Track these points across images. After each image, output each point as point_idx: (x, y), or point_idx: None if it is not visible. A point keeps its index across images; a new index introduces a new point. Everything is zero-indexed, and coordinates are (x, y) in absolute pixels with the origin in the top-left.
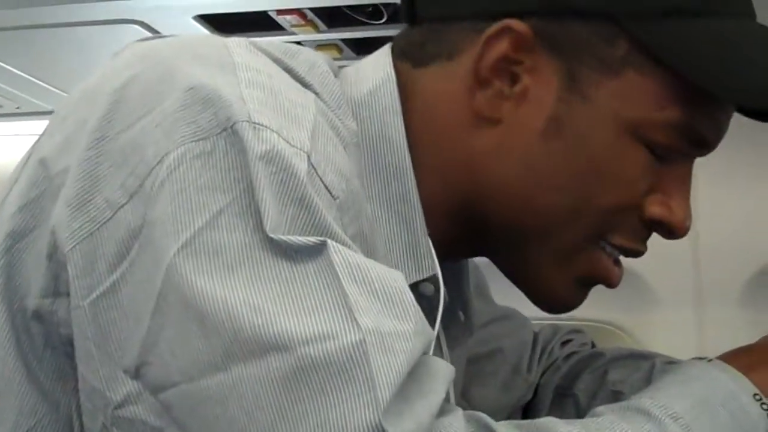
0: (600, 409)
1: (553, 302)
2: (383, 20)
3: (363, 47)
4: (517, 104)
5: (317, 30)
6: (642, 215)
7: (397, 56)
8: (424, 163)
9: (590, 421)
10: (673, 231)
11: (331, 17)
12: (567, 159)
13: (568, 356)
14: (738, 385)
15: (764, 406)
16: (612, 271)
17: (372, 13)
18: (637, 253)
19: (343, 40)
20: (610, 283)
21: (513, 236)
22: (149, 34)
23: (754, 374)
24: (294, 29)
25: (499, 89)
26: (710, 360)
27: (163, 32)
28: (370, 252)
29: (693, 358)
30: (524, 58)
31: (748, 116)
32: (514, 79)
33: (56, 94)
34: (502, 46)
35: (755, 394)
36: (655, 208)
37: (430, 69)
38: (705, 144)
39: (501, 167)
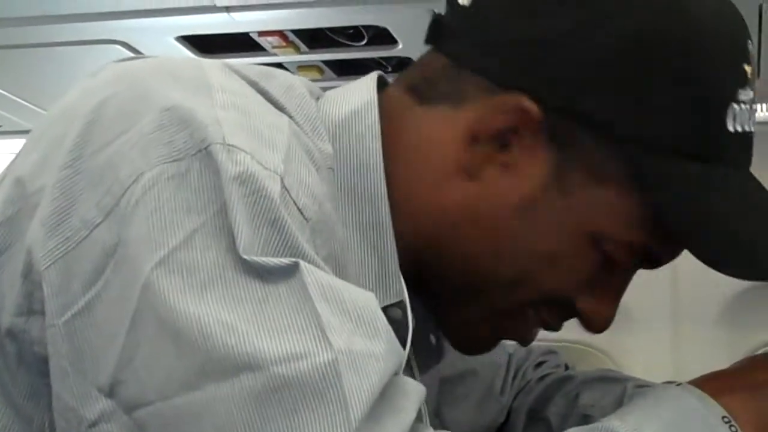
0: (571, 430)
1: (468, 347)
2: (364, 42)
3: (344, 69)
4: (501, 172)
5: (298, 51)
6: (572, 303)
7: (402, 85)
8: (397, 195)
9: None
10: (592, 327)
11: (313, 39)
12: (527, 239)
13: (541, 378)
14: (707, 409)
15: (732, 429)
16: (529, 334)
17: (353, 35)
18: (553, 328)
19: (325, 62)
20: (524, 343)
21: (452, 287)
22: (131, 54)
23: (723, 398)
24: (275, 50)
25: (490, 152)
26: (680, 384)
27: (145, 53)
28: (341, 275)
29: (664, 382)
30: (525, 136)
31: None
32: (507, 148)
33: (38, 113)
34: (509, 119)
35: (724, 417)
36: (585, 304)
37: (434, 109)
38: (656, 263)
39: (465, 224)
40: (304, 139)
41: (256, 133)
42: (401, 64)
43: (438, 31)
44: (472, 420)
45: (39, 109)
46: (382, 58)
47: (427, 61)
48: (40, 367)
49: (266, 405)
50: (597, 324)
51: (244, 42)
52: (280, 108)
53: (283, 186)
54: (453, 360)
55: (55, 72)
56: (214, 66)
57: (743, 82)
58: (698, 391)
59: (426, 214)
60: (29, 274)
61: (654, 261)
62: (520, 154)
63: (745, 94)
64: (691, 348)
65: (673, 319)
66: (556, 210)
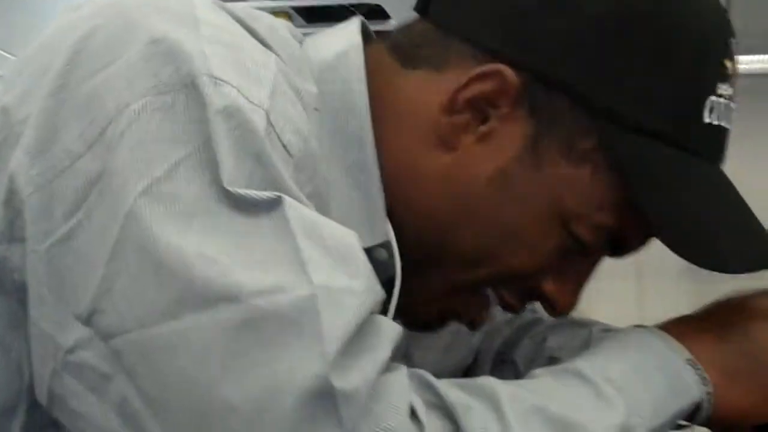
0: (537, 371)
1: (410, 322)
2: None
3: (314, 16)
4: (477, 142)
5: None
6: (536, 285)
7: (388, 47)
8: (379, 149)
9: (527, 381)
10: (554, 311)
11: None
12: (496, 211)
13: (509, 322)
14: (673, 352)
15: (698, 372)
16: (480, 317)
17: (350, 10)
18: (513, 311)
19: (294, 8)
20: (472, 327)
21: (412, 252)
22: None
23: (689, 341)
24: None
25: (467, 121)
26: (646, 327)
27: None
28: (324, 213)
29: (631, 326)
30: (502, 104)
31: None
32: (484, 119)
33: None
34: (487, 86)
35: (688, 359)
36: (549, 287)
37: (416, 73)
38: (624, 250)
39: (436, 189)
40: (290, 77)
41: (243, 68)
42: (372, 11)
43: (426, 1)
44: (440, 362)
45: (9, 55)
46: (352, 5)
47: (413, 25)
48: (20, 295)
49: (243, 336)
50: (560, 309)
51: None
52: (266, 47)
53: (269, 121)
54: None
55: (26, 18)
56: (202, 1)
57: (723, 76)
58: (664, 334)
59: (400, 175)
60: (11, 201)
61: (621, 247)
62: (496, 124)
63: (725, 89)
64: (655, 299)
65: (638, 271)
66: (528, 185)
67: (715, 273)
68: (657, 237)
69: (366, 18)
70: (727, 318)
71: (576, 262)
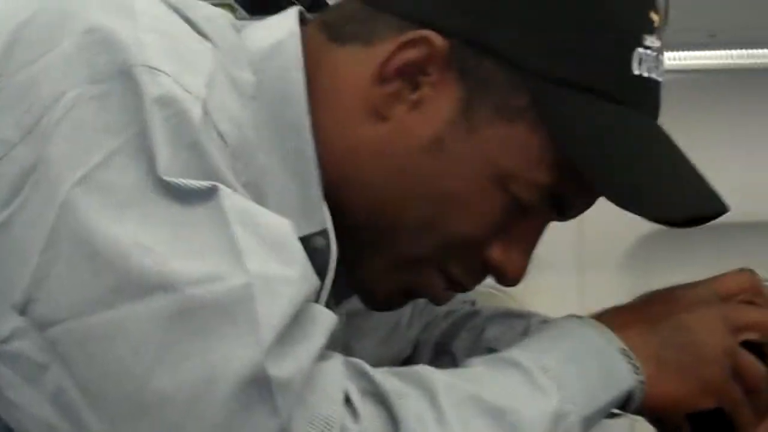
0: (473, 360)
1: (372, 301)
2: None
3: (257, 7)
4: (410, 111)
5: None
6: (482, 255)
7: (318, 25)
8: (317, 131)
9: (462, 370)
10: (504, 279)
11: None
12: (435, 179)
13: (448, 314)
14: (607, 341)
15: (631, 361)
16: (439, 293)
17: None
18: (463, 289)
19: (237, 0)
20: (436, 302)
21: (360, 230)
22: None
23: (622, 331)
24: None
25: (398, 90)
26: (581, 317)
27: None
28: (261, 202)
29: (566, 316)
30: (432, 71)
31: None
32: (415, 87)
33: None
34: (415, 53)
35: (622, 349)
36: (495, 253)
37: (346, 48)
38: (565, 212)
39: (374, 163)
40: (227, 67)
41: (179, 57)
42: (315, 2)
43: None
44: (379, 353)
45: None
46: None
47: (343, 4)
48: None
49: (179, 325)
50: (510, 275)
51: None
52: (203, 35)
53: (205, 110)
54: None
55: None
56: None
57: (650, 28)
58: (598, 324)
59: (338, 153)
60: None
61: (565, 209)
62: (428, 91)
63: (651, 41)
64: (596, 292)
65: (579, 265)
66: (464, 148)
67: (652, 266)
68: (595, 190)
69: (308, 9)
70: (660, 309)
71: (521, 227)
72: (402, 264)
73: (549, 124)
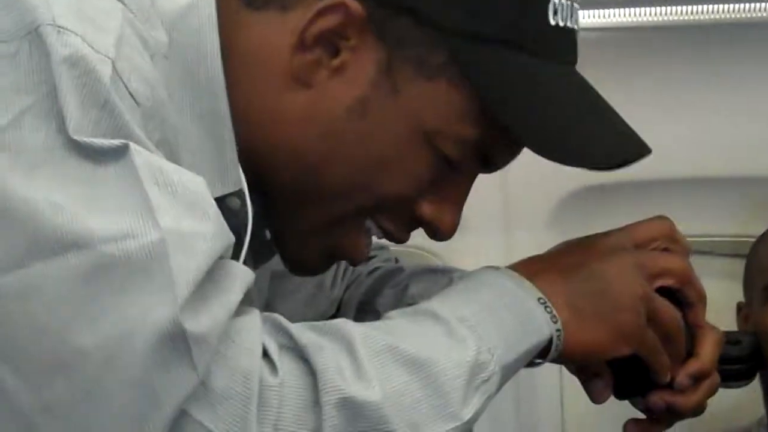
0: (392, 313)
1: (297, 265)
2: None
3: None
4: (332, 76)
5: None
6: (413, 211)
7: None
8: (235, 95)
9: (381, 323)
10: (437, 234)
11: None
12: (362, 140)
13: (371, 272)
14: (524, 291)
15: (548, 309)
16: (359, 251)
17: None
18: (398, 240)
19: None
20: (354, 262)
21: (287, 194)
22: None
23: (538, 280)
24: None
25: (319, 57)
26: (498, 268)
27: None
28: (174, 161)
29: (484, 267)
30: (351, 35)
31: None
32: (335, 52)
33: None
34: (333, 20)
35: (539, 298)
36: (426, 209)
37: (262, 14)
38: (490, 165)
39: (299, 129)
40: (137, 26)
41: (87, 17)
42: None
43: None
44: (302, 313)
45: None
46: None
47: None
48: None
49: (94, 283)
50: (442, 230)
51: None
52: None
53: (114, 69)
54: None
55: None
56: None
57: None
58: (515, 275)
59: (260, 119)
60: None
61: (490, 162)
62: (348, 56)
63: None
64: (521, 251)
65: (505, 224)
66: (389, 109)
67: (577, 225)
68: (517, 141)
69: None
70: (575, 257)
71: (450, 182)
72: (328, 225)
73: (468, 79)
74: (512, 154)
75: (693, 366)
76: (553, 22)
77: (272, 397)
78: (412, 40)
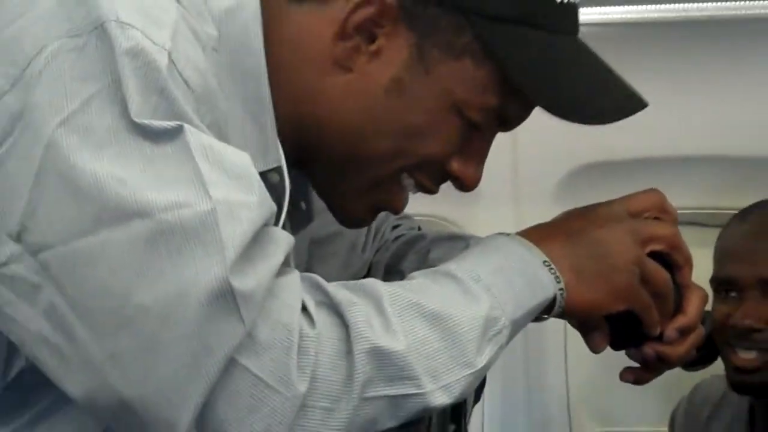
0: (415, 273)
1: (349, 220)
2: None
3: None
4: (370, 60)
5: None
6: (445, 167)
7: None
8: (278, 82)
9: (406, 282)
10: (464, 186)
11: None
12: (399, 113)
13: (397, 238)
14: (531, 254)
15: (552, 271)
16: (400, 203)
17: None
18: (430, 191)
19: None
20: (396, 211)
21: (337, 163)
22: None
23: (544, 245)
24: None
25: (358, 44)
26: (509, 234)
27: None
28: (223, 140)
29: (495, 233)
30: (386, 24)
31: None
32: (372, 39)
33: None
34: (370, 11)
35: (545, 261)
36: (455, 166)
37: (303, 7)
38: (509, 125)
39: (343, 107)
40: (190, 21)
41: (147, 13)
42: None
43: None
44: (339, 274)
45: None
46: None
47: None
48: None
49: (153, 247)
50: (468, 183)
51: None
52: None
53: (170, 59)
54: (322, 224)
55: None
56: None
57: None
58: (523, 240)
59: (307, 100)
60: None
61: (508, 122)
62: (384, 42)
63: None
64: (529, 221)
65: (514, 195)
66: (422, 86)
67: (582, 197)
68: (533, 104)
69: None
70: (577, 224)
71: (473, 142)
72: (374, 185)
73: (491, 56)
74: (526, 114)
75: (680, 321)
76: (559, 1)
77: (310, 346)
78: (439, 24)
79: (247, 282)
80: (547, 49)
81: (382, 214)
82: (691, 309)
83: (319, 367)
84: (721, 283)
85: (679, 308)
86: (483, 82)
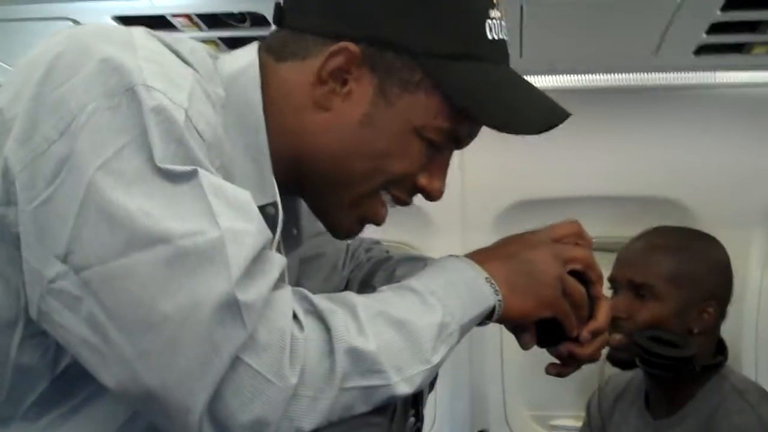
0: (383, 288)
1: (340, 233)
2: (247, 24)
3: (234, 44)
4: (343, 100)
5: (200, 29)
6: (414, 182)
7: (264, 50)
8: (273, 126)
9: (377, 294)
10: (431, 197)
11: (211, 21)
12: (371, 140)
13: (369, 259)
14: (475, 272)
15: (492, 286)
16: (381, 215)
17: (240, 19)
18: (405, 203)
19: (220, 38)
20: (378, 222)
21: (324, 185)
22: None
23: (486, 265)
24: (183, 28)
25: (333, 88)
26: (458, 257)
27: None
28: (229, 180)
29: (448, 256)
30: (353, 70)
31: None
32: (344, 83)
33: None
34: (339, 60)
35: (486, 278)
36: (423, 180)
37: (288, 64)
38: (462, 143)
39: (325, 140)
40: (203, 84)
41: (167, 78)
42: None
43: (279, 14)
44: (322, 287)
45: (7, 66)
46: (262, 36)
47: (277, 33)
48: (16, 242)
49: (173, 267)
50: (434, 194)
51: (162, 21)
52: (186, 62)
53: (187, 116)
54: (309, 246)
55: (21, 41)
56: (138, 31)
57: (492, 5)
58: (470, 261)
59: (295, 137)
60: (6, 176)
61: (461, 140)
62: (353, 85)
63: (495, 13)
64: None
65: (462, 228)
66: (387, 117)
67: (515, 227)
68: (478, 123)
69: (253, 25)
70: (511, 248)
71: (435, 159)
72: (357, 201)
73: (439, 87)
74: (475, 132)
75: (592, 325)
76: (490, 38)
77: (299, 346)
78: (395, 66)
79: (249, 294)
80: (484, 77)
81: (357, 240)
82: (601, 316)
83: (307, 363)
84: (608, 281)
85: (591, 315)
86: (435, 109)
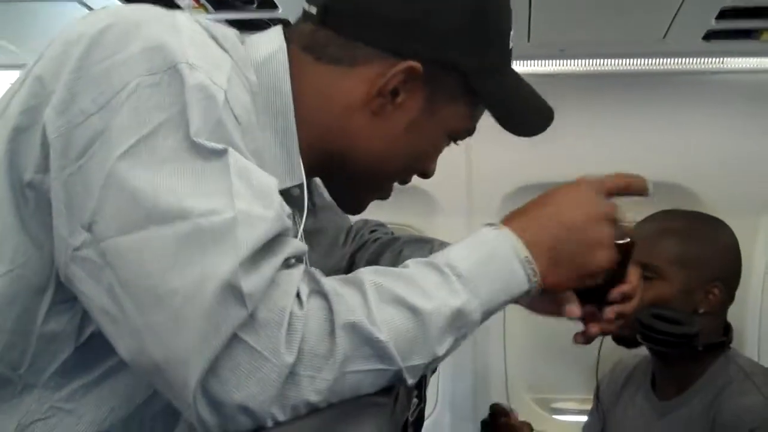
0: (408, 262)
1: (353, 210)
2: (255, 5)
3: (241, 27)
4: (395, 109)
5: (207, 11)
6: (424, 169)
7: (299, 45)
8: (303, 116)
9: (398, 271)
10: (426, 176)
11: (218, 3)
12: (412, 145)
13: (375, 240)
14: (513, 252)
15: (530, 267)
16: (389, 195)
17: (247, 1)
18: (406, 182)
19: (226, 20)
20: (385, 198)
21: (355, 176)
22: (86, 11)
23: (529, 233)
24: (191, 10)
25: (389, 98)
26: (498, 229)
27: (95, 8)
28: (260, 164)
29: (485, 225)
30: (410, 84)
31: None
32: (397, 93)
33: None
34: (402, 77)
35: (524, 258)
36: (432, 167)
37: (330, 67)
38: (470, 135)
39: (369, 141)
40: (239, 70)
41: (209, 60)
42: (279, 22)
43: (324, 13)
44: (322, 262)
45: (13, 47)
46: (270, 19)
47: (312, 30)
48: (48, 209)
49: (187, 243)
50: (431, 174)
51: (168, 3)
52: (223, 48)
53: (226, 98)
54: (313, 220)
55: (28, 22)
56: (183, 15)
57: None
58: (509, 234)
59: (332, 135)
60: (43, 143)
61: (470, 135)
62: (406, 96)
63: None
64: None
65: (468, 209)
66: (429, 124)
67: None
68: (505, 128)
69: (260, 7)
70: (559, 208)
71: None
72: (378, 187)
73: (477, 97)
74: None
75: (626, 287)
76: (510, 47)
77: (298, 324)
78: (443, 81)
79: (252, 276)
80: (514, 86)
81: (360, 220)
82: (633, 279)
83: (306, 342)
84: None
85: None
86: (468, 114)
